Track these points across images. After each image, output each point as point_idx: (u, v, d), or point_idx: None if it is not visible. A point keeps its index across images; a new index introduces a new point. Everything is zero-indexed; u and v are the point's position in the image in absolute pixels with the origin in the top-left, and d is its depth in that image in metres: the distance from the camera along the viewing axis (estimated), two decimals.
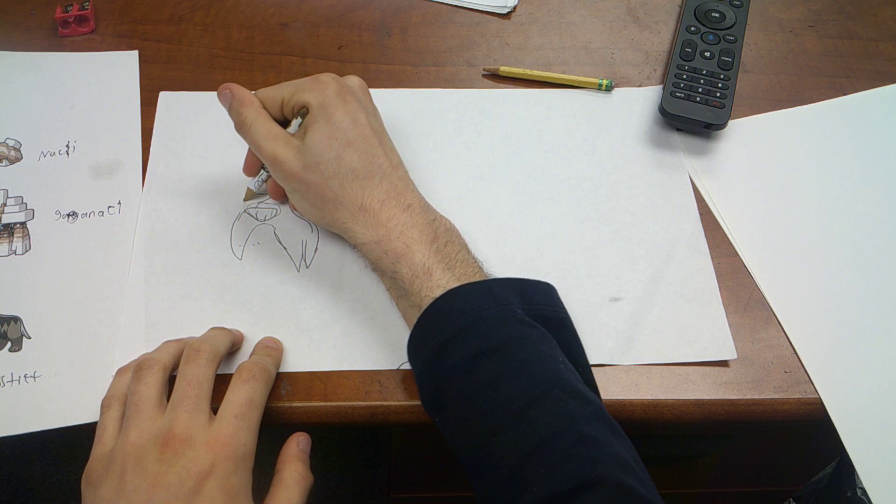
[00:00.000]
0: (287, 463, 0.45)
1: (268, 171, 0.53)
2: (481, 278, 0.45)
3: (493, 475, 0.40)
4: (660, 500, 0.38)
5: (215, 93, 0.60)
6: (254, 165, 0.54)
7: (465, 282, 0.44)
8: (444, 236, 0.47)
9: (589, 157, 0.59)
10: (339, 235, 0.53)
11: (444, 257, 0.45)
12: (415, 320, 0.44)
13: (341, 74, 0.63)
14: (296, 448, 0.46)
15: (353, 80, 0.51)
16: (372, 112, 0.51)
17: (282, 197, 0.54)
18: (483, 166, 0.58)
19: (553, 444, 0.38)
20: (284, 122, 0.50)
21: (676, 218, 0.56)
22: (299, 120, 0.48)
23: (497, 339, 0.42)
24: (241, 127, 0.49)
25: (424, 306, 0.43)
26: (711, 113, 0.58)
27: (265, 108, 0.50)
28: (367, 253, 0.47)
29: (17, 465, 1.06)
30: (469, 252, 0.48)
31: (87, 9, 0.64)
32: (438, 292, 0.43)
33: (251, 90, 0.61)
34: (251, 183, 0.54)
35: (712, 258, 0.54)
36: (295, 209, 0.54)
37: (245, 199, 0.55)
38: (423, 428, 0.47)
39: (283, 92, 0.49)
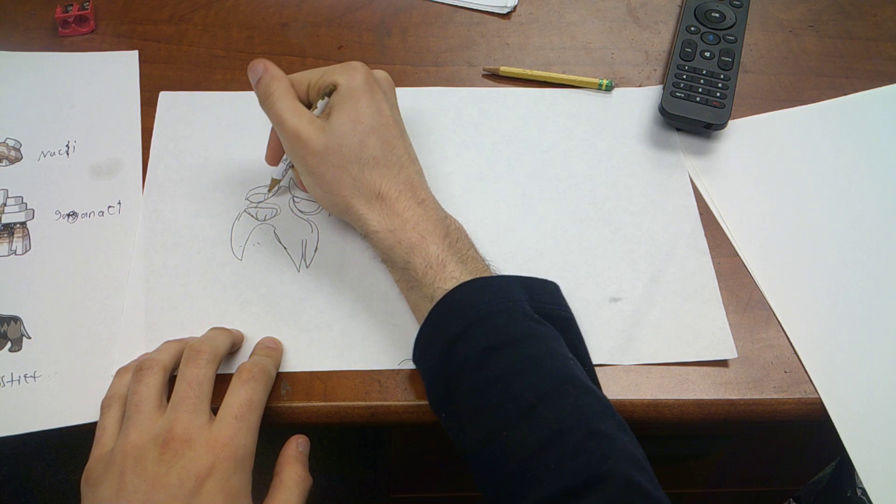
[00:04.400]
0: (286, 465, 0.45)
1: (289, 161, 0.52)
2: (490, 275, 0.46)
3: (501, 470, 0.40)
4: (666, 498, 0.38)
5: (215, 93, 0.61)
6: (276, 153, 0.53)
7: (478, 276, 0.44)
8: (455, 233, 0.47)
9: (589, 157, 0.59)
10: (338, 235, 0.53)
11: (456, 251, 0.46)
12: (426, 312, 0.44)
13: None
14: (295, 450, 0.46)
15: (381, 74, 0.52)
16: (395, 106, 0.51)
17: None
18: (483, 166, 0.58)
19: (563, 438, 0.38)
20: (309, 107, 0.50)
21: (676, 218, 0.56)
22: (325, 100, 0.48)
23: (508, 335, 0.42)
24: (267, 99, 0.48)
25: (437, 298, 0.44)
26: (711, 113, 0.58)
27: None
28: (380, 242, 0.47)
29: (17, 465, 1.06)
30: (477, 251, 0.48)
31: (87, 9, 0.64)
32: (451, 284, 0.44)
33: (253, 92, 0.61)
34: (274, 171, 0.54)
35: (712, 258, 0.54)
36: (303, 189, 0.53)
37: (269, 190, 0.55)
38: (423, 428, 0.47)
39: (311, 76, 0.49)
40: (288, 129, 0.47)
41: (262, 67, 0.49)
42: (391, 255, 0.47)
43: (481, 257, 0.47)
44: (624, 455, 0.38)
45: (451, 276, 0.44)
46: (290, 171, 0.54)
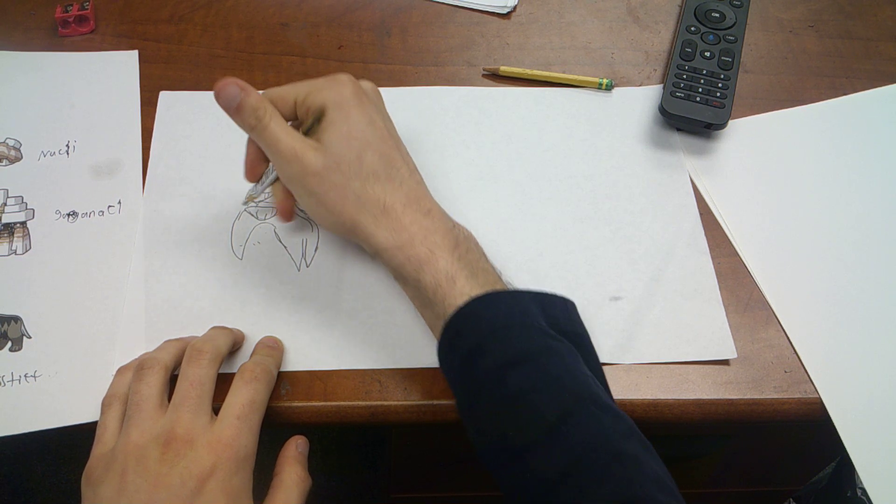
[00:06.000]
0: (286, 465, 0.45)
1: (271, 177, 0.50)
2: (503, 287, 0.44)
3: (527, 492, 0.39)
4: None
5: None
6: (256, 170, 0.51)
7: (489, 290, 0.43)
8: (465, 243, 0.45)
9: (589, 157, 0.59)
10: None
11: (466, 264, 0.44)
12: (440, 330, 0.44)
13: None
14: (294, 451, 0.46)
15: (367, 85, 0.50)
16: (387, 117, 0.50)
17: (288, 213, 0.52)
18: (483, 165, 0.58)
19: (587, 461, 0.38)
20: (295, 124, 0.49)
21: (676, 217, 0.56)
22: (313, 123, 0.47)
23: (524, 350, 0.41)
24: (258, 124, 0.45)
25: (448, 315, 0.43)
26: (711, 113, 0.58)
27: (276, 106, 0.47)
28: (389, 260, 0.45)
29: (17, 464, 1.06)
30: (488, 260, 0.46)
31: (87, 9, 0.64)
32: (462, 300, 0.42)
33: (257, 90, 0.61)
34: (252, 188, 0.52)
35: (712, 258, 0.54)
36: (301, 213, 0.52)
37: (245, 203, 0.54)
38: (423, 428, 0.47)
39: (297, 91, 0.47)
40: (285, 151, 0.45)
41: (238, 89, 0.45)
42: (401, 273, 0.45)
43: (493, 267, 0.46)
44: (652, 478, 0.38)
45: (462, 292, 0.43)
46: (267, 189, 0.52)
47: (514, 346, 0.41)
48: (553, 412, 0.39)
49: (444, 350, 0.44)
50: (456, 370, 0.43)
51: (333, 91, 0.47)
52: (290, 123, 0.47)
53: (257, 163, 0.50)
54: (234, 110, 0.46)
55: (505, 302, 0.43)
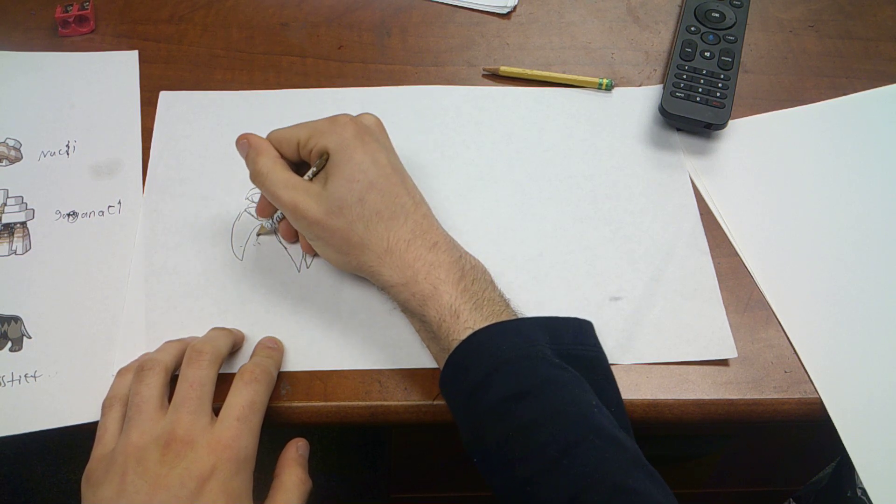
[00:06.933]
0: (286, 467, 0.45)
1: (279, 213, 0.52)
2: (509, 317, 0.44)
3: None
4: None
5: (216, 92, 0.61)
6: (266, 210, 0.52)
7: (494, 321, 0.43)
8: (471, 274, 0.45)
9: (589, 157, 0.59)
10: None
11: (471, 296, 0.44)
12: (443, 364, 0.44)
13: (341, 74, 0.63)
14: (295, 453, 0.46)
15: (369, 119, 0.50)
16: (391, 150, 0.50)
17: (293, 238, 0.53)
18: (483, 165, 0.58)
19: (589, 495, 0.38)
20: (300, 164, 0.49)
21: (676, 217, 0.56)
22: (318, 167, 0.47)
23: (529, 383, 0.41)
24: (257, 176, 0.48)
25: (452, 349, 0.43)
26: (711, 113, 0.58)
27: (280, 149, 0.49)
28: (396, 296, 0.46)
29: (17, 464, 1.06)
30: (496, 289, 0.46)
31: (87, 9, 0.64)
32: (466, 334, 0.42)
33: (253, 92, 0.62)
34: (265, 221, 0.53)
35: (712, 258, 0.54)
36: (311, 253, 0.52)
37: (257, 235, 0.54)
38: (423, 428, 0.47)
39: (300, 134, 0.48)
40: (285, 203, 0.46)
41: (246, 142, 0.49)
42: (408, 308, 0.46)
43: (500, 297, 0.46)
44: None
45: (465, 326, 0.43)
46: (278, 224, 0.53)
47: (519, 379, 0.41)
48: (554, 446, 0.39)
49: (446, 383, 0.44)
50: (460, 403, 0.43)
51: (335, 134, 0.47)
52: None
53: (268, 206, 0.52)
54: (244, 159, 0.49)
55: (509, 332, 0.43)
